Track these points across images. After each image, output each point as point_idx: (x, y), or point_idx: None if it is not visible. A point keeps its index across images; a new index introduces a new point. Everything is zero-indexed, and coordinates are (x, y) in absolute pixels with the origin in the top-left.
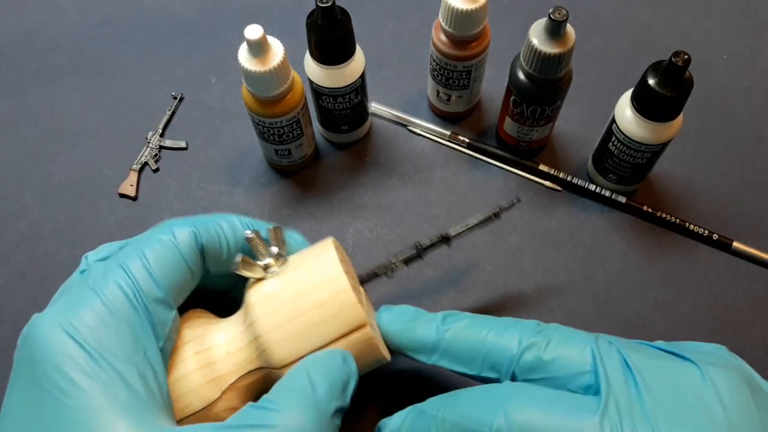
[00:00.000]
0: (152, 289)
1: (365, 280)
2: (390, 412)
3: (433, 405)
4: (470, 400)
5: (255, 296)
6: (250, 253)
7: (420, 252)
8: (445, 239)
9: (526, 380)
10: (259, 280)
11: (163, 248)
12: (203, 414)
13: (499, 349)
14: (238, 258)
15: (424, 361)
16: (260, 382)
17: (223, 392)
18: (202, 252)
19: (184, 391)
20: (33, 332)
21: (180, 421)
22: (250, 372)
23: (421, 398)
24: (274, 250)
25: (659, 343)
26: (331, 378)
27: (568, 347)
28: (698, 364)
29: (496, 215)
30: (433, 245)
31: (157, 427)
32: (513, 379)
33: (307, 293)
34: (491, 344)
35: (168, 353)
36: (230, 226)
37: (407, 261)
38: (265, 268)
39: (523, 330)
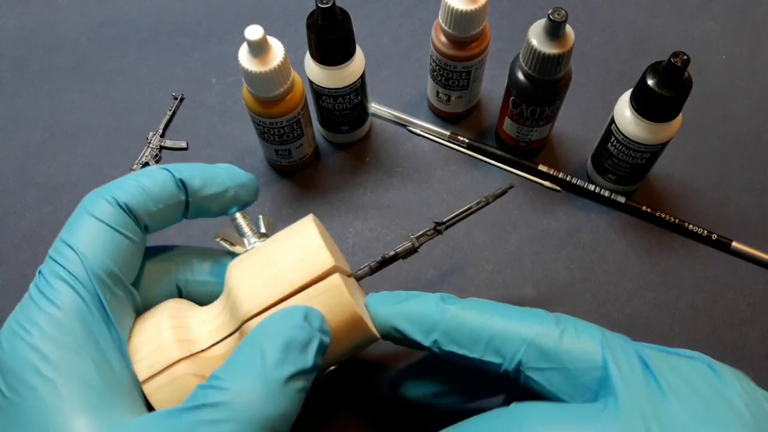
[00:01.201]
0: (89, 273)
1: (361, 276)
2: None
3: None
4: (478, 428)
5: (233, 262)
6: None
7: (414, 243)
8: (437, 227)
9: (534, 369)
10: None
11: (86, 227)
12: (170, 376)
13: (506, 332)
14: (220, 230)
15: (419, 342)
16: None
17: (193, 354)
18: (132, 212)
19: (151, 349)
20: None
21: (144, 382)
22: (224, 339)
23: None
24: (262, 230)
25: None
26: (285, 340)
27: (582, 339)
28: (707, 363)
29: (488, 202)
30: (426, 235)
31: (115, 421)
32: (517, 367)
33: (279, 248)
34: (498, 326)
35: (127, 335)
36: (150, 179)
37: (404, 256)
38: (248, 243)
39: (533, 316)
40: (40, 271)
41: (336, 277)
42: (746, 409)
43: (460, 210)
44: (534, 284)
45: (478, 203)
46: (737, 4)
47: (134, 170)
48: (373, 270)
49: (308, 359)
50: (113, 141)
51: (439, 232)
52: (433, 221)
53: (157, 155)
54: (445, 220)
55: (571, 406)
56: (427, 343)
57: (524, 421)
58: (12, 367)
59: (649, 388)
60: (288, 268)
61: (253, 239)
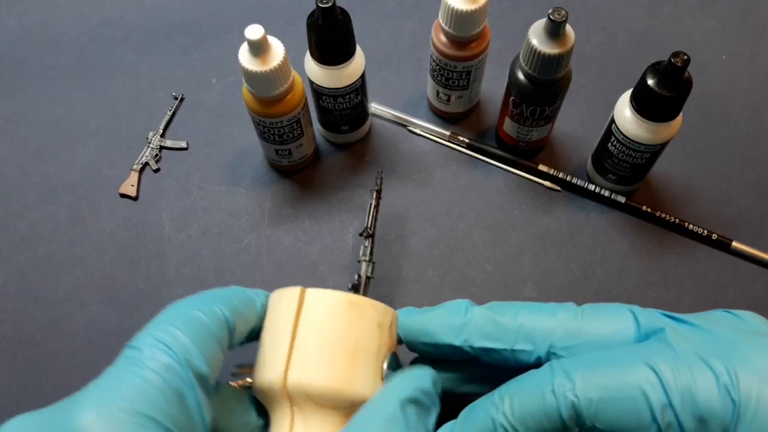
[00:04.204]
0: (198, 365)
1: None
2: None
3: (489, 400)
4: (523, 379)
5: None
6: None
7: (360, 269)
8: (363, 234)
9: (565, 348)
10: None
11: (200, 327)
12: None
13: (533, 321)
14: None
15: (450, 343)
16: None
17: None
18: (231, 332)
19: None
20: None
21: None
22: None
23: None
24: None
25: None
26: (420, 407)
27: (604, 312)
28: (722, 310)
29: (378, 190)
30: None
31: None
32: (549, 350)
33: (268, 324)
34: (525, 318)
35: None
36: (247, 304)
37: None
38: None
39: (555, 305)
40: (137, 347)
41: (307, 291)
42: None
43: (367, 211)
44: (534, 284)
45: (372, 192)
46: (737, 4)
47: (134, 170)
48: (359, 284)
49: (429, 425)
50: (113, 141)
51: (369, 236)
52: (358, 234)
53: (157, 155)
54: (365, 226)
55: (612, 351)
56: (458, 342)
57: (570, 371)
58: None
59: (686, 328)
60: (275, 323)
61: None
